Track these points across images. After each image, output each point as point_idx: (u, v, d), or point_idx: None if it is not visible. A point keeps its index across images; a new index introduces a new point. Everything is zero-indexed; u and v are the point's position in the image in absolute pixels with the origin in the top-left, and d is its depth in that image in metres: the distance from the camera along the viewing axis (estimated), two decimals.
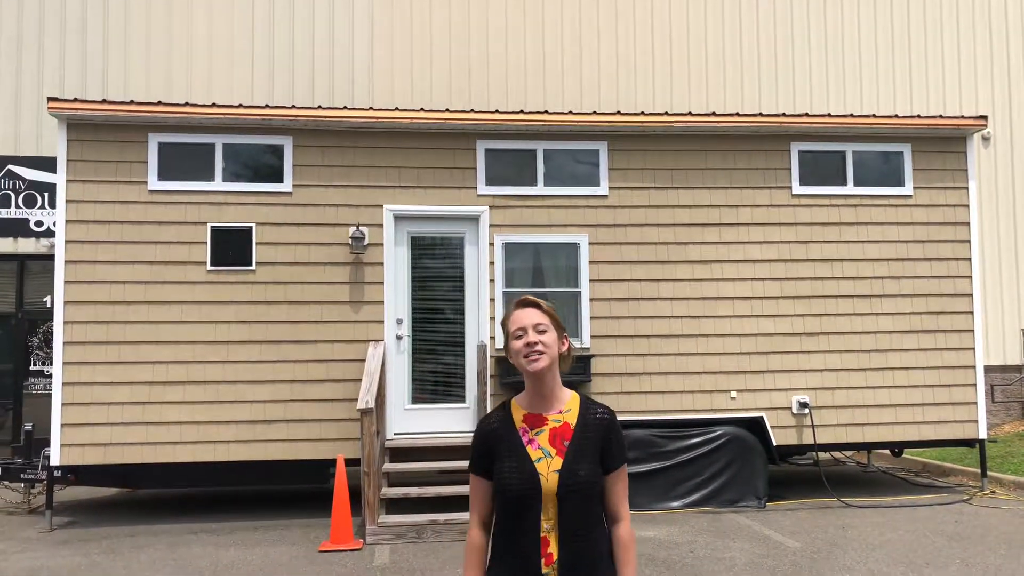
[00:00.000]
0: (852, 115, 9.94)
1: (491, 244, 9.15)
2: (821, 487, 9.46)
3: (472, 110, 9.63)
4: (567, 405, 2.49)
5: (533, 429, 2.47)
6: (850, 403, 9.42)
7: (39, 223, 13.32)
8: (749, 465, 9.08)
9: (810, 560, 6.81)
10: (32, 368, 13.16)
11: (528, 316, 2.48)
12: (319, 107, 9.18)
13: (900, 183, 9.83)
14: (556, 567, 2.38)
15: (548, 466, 2.41)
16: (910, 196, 9.79)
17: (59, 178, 8.70)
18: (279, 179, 8.99)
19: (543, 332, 2.45)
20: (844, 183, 9.76)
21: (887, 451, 10.91)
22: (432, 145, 9.17)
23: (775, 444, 9.24)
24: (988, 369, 12.29)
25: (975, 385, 9.64)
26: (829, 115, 9.83)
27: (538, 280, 9.26)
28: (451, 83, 13.90)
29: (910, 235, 9.73)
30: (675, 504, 8.88)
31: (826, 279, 9.57)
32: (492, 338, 9.04)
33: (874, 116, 9.89)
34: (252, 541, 7.75)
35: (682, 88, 14.53)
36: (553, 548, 2.38)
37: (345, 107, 9.35)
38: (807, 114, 10.01)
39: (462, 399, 9.12)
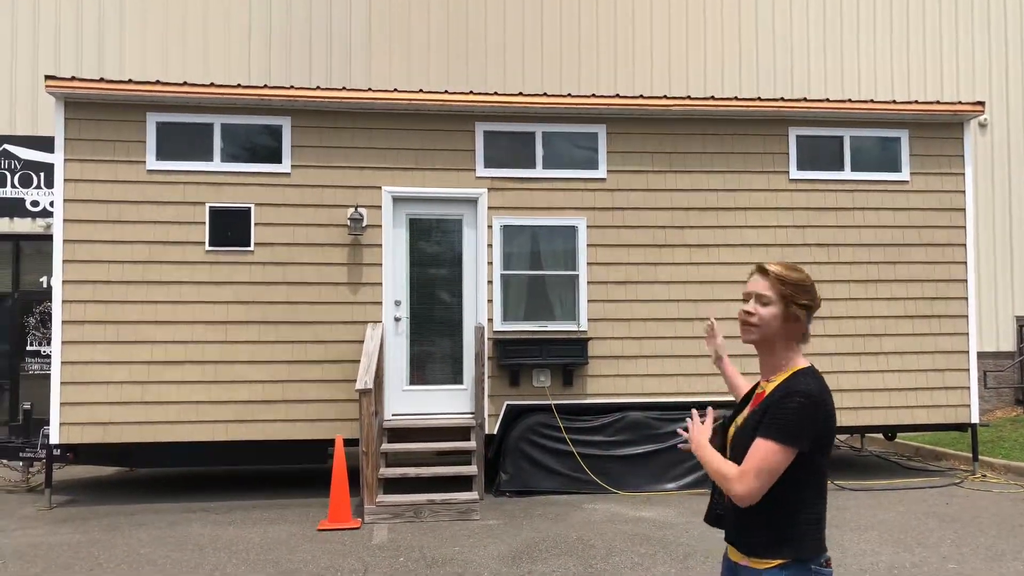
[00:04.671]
0: (850, 100, 9.95)
1: (489, 227, 9.16)
2: None
3: (471, 92, 9.63)
4: (777, 377, 2.45)
5: (755, 390, 2.56)
6: (844, 387, 9.48)
7: (35, 203, 13.28)
8: None
9: None
10: (29, 348, 13.16)
11: (755, 284, 2.46)
12: (318, 88, 9.16)
13: (897, 169, 9.86)
14: (729, 510, 2.47)
15: (740, 423, 2.50)
16: (907, 182, 9.83)
17: (57, 157, 8.68)
18: (277, 160, 8.98)
19: (765, 305, 2.43)
20: (841, 168, 9.79)
21: (881, 435, 10.99)
22: (431, 127, 9.16)
23: None
24: (981, 355, 12.37)
25: (968, 370, 9.72)
26: (827, 100, 9.84)
27: (536, 263, 9.28)
28: (448, 65, 13.87)
29: (906, 220, 9.77)
30: (670, 486, 8.95)
31: (822, 264, 9.61)
32: (490, 320, 9.07)
33: (872, 101, 9.91)
34: (251, 520, 7.81)
35: (680, 72, 14.51)
36: None
37: (344, 88, 9.32)
38: (805, 99, 10.02)
39: (460, 380, 9.16)
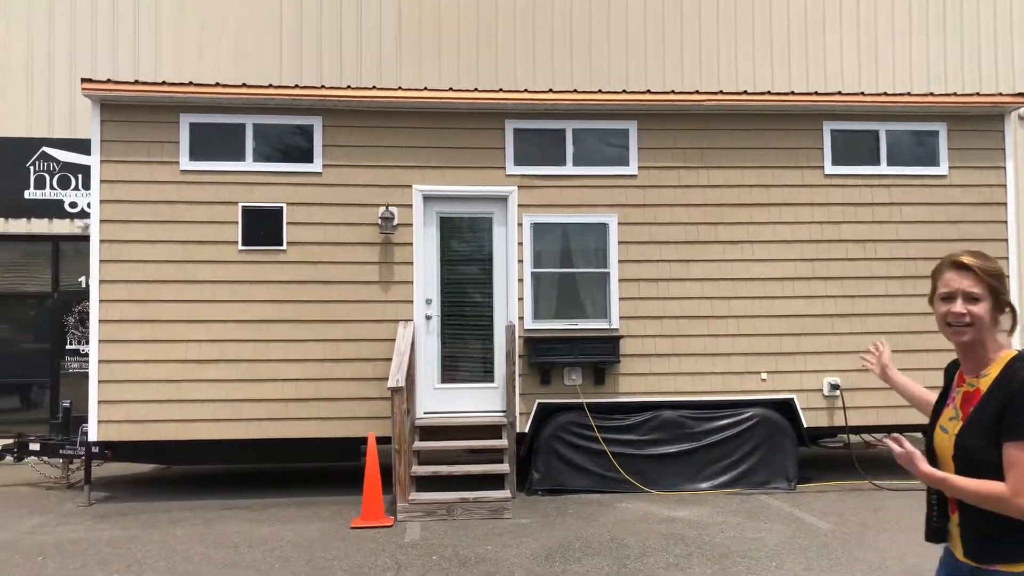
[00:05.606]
0: (886, 94, 9.77)
1: (520, 224, 9.13)
2: (851, 470, 9.39)
3: (501, 89, 9.59)
4: (989, 369, 2.32)
5: (959, 387, 2.41)
6: (882, 385, 9.24)
7: (73, 204, 13.50)
8: (779, 447, 9.03)
9: (842, 541, 6.78)
10: (68, 347, 13.39)
11: (960, 280, 2.31)
12: (348, 87, 9.20)
13: (935, 163, 9.67)
14: (958, 524, 2.36)
15: (953, 428, 2.35)
16: (945, 176, 9.63)
17: (93, 159, 8.80)
18: (309, 159, 9.03)
19: (975, 302, 2.29)
20: (877, 163, 9.62)
21: (920, 434, 10.79)
22: (461, 125, 9.15)
23: (806, 426, 9.19)
24: None
25: None
26: (863, 94, 9.67)
27: (567, 260, 9.24)
28: (478, 63, 13.86)
29: (944, 216, 9.57)
30: (704, 485, 8.86)
31: (858, 260, 9.45)
32: (521, 318, 9.04)
33: (909, 95, 9.74)
34: (285, 517, 7.86)
35: (711, 67, 14.37)
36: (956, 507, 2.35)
37: (374, 87, 9.35)
38: (840, 93, 9.89)
39: (491, 379, 9.15)
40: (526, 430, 8.93)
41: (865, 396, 9.31)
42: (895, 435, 2.34)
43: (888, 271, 9.45)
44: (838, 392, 9.23)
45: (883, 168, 9.59)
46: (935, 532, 2.44)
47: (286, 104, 8.95)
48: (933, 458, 2.40)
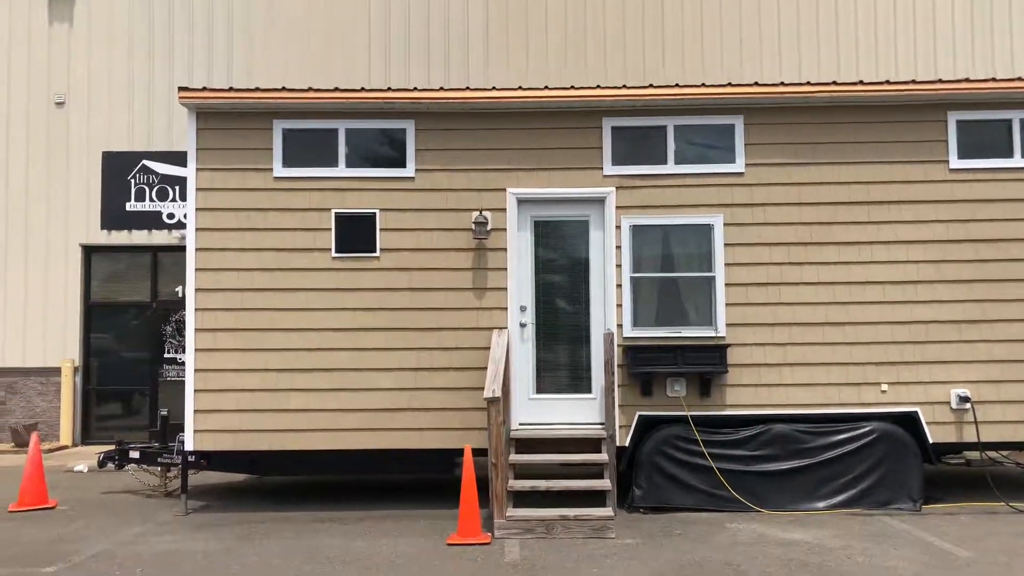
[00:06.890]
0: (1021, 78, 8.93)
1: (618, 227, 8.70)
2: (979, 489, 8.59)
3: (598, 86, 9.19)
4: None
5: None
6: (1019, 398, 8.49)
7: (171, 215, 13.79)
8: (902, 464, 8.32)
9: (986, 572, 6.10)
10: (166, 356, 13.66)
11: None
12: (441, 89, 8.97)
13: None
14: None
15: None
16: None
17: (189, 167, 8.81)
18: (401, 164, 8.83)
19: None
20: (1010, 155, 8.80)
21: None
22: (556, 124, 8.80)
23: (931, 442, 8.44)
24: None
25: None
26: (993, 79, 8.88)
27: (668, 265, 8.76)
28: (566, 60, 13.53)
29: None
30: (820, 505, 8.23)
31: (989, 261, 8.65)
32: (619, 326, 8.60)
33: None
34: (379, 531, 7.63)
35: (811, 58, 13.67)
36: None
37: (467, 88, 9.10)
38: (967, 79, 9.09)
39: (588, 389, 8.74)
40: (626, 444, 8.49)
41: (999, 410, 8.49)
42: None
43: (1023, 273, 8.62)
44: (968, 405, 8.45)
45: (1017, 160, 8.77)
46: None
47: (379, 108, 8.78)
48: None
